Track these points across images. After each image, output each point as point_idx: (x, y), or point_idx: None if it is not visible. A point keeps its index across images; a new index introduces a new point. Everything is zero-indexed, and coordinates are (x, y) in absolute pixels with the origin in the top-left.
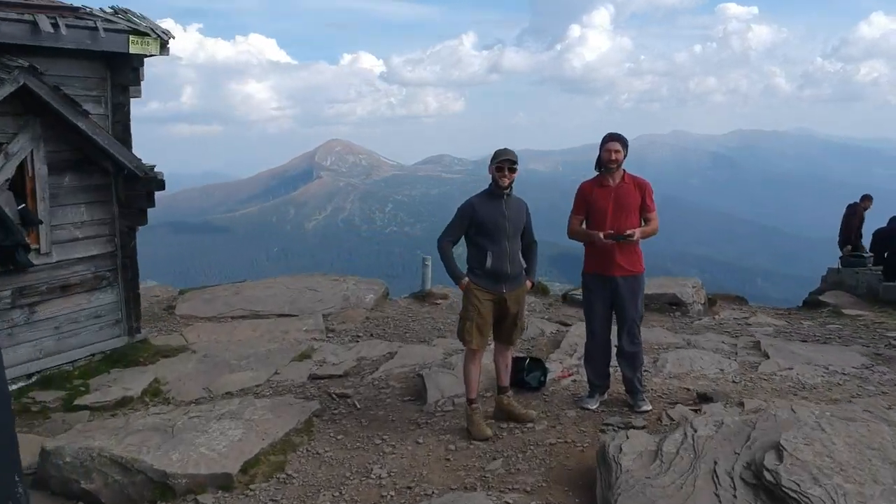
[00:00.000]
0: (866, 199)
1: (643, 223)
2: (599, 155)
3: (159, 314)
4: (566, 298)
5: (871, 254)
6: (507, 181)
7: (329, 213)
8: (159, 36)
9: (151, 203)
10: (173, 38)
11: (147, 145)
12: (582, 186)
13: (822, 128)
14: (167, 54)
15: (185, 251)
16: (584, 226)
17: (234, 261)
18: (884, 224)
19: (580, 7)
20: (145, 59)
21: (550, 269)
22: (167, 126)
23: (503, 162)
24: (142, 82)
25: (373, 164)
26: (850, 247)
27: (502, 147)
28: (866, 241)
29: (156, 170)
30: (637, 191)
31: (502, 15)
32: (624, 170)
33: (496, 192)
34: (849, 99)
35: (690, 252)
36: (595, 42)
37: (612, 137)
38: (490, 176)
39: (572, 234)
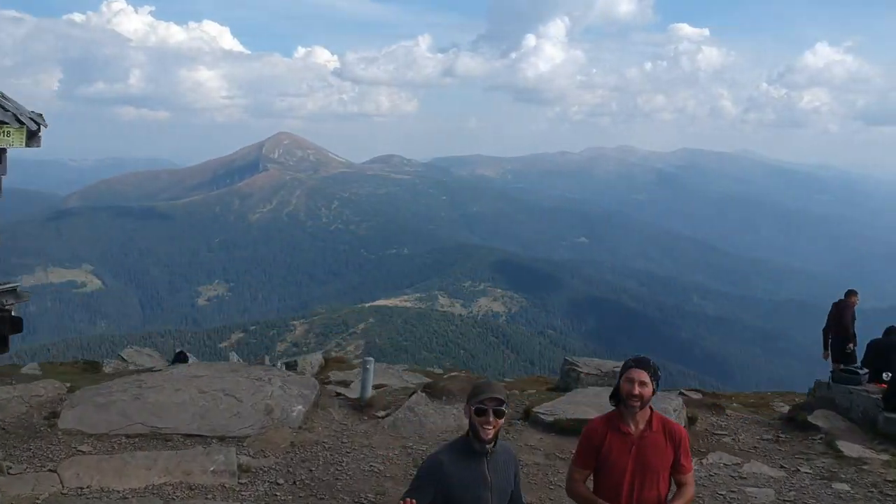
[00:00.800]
0: (852, 294)
1: (672, 486)
2: (618, 384)
3: (37, 426)
4: (529, 416)
5: (866, 370)
6: (491, 432)
7: (274, 206)
8: (24, 124)
9: (4, 347)
10: (45, 125)
11: (91, 127)
12: (590, 428)
13: (765, 151)
14: (38, 145)
15: (126, 237)
16: (590, 484)
17: (175, 250)
18: (866, 313)
19: (536, 17)
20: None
21: (494, 275)
22: (113, 108)
23: (487, 401)
24: (3, 177)
25: (321, 160)
26: (851, 345)
27: (485, 381)
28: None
29: (20, 289)
30: (669, 444)
31: (459, 19)
32: (651, 408)
33: (476, 447)
34: (791, 125)
35: (632, 265)
36: (549, 53)
37: (638, 363)
38: (468, 419)
39: (575, 496)
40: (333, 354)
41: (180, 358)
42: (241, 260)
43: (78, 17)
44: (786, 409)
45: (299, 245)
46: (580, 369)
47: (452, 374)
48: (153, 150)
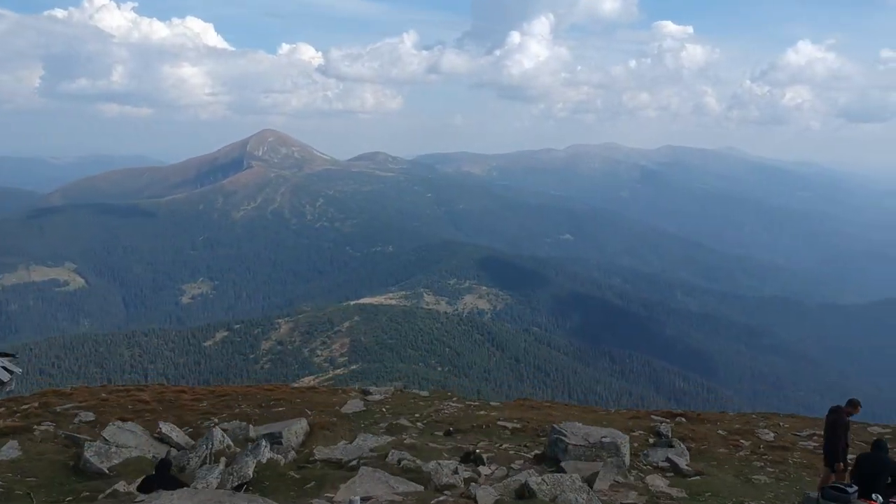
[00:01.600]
0: (853, 404)
1: None
2: None
3: None
4: None
5: (856, 488)
6: None
7: (258, 203)
8: None
9: None
10: (19, 371)
11: (73, 124)
12: None
13: (748, 148)
14: (11, 390)
15: (109, 234)
16: None
17: (159, 248)
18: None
19: (521, 14)
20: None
21: (479, 272)
22: (96, 105)
23: None
24: None
25: (306, 158)
26: (841, 464)
27: None
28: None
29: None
30: None
31: (444, 16)
32: None
33: None
34: (774, 122)
35: (617, 262)
36: (534, 50)
37: None
38: None
39: None
40: (320, 383)
41: (164, 467)
42: (226, 258)
43: (59, 12)
44: (770, 436)
45: (284, 243)
46: (568, 440)
47: (440, 497)
48: (136, 148)
